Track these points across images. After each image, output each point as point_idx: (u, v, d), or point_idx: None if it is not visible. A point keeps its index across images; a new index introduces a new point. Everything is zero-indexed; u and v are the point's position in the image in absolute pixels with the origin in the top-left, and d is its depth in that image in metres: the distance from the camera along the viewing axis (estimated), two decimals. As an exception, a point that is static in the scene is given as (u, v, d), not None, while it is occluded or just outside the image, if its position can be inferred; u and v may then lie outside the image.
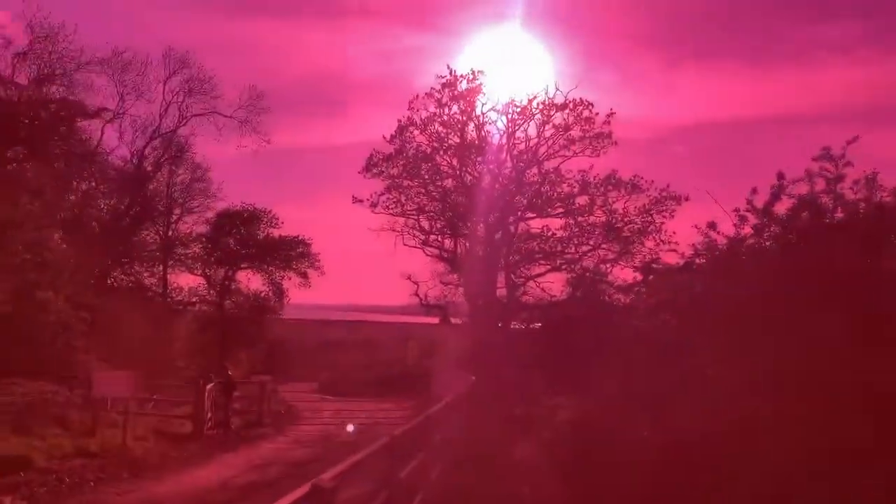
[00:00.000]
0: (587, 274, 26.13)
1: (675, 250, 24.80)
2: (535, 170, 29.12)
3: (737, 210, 11.90)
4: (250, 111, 38.05)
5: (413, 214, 30.27)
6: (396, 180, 29.84)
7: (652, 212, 27.70)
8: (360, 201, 30.27)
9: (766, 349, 9.95)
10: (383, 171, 29.71)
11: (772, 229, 11.70)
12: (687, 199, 27.33)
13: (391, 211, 30.14)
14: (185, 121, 37.26)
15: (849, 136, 11.36)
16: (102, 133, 35.07)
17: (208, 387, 21.60)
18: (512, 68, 36.50)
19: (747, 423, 10.29)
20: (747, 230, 11.93)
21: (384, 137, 29.61)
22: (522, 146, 28.97)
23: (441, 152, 29.58)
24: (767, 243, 11.83)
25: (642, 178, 27.70)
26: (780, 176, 11.52)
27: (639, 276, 18.72)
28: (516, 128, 28.83)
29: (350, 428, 21.17)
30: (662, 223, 27.59)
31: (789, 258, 10.29)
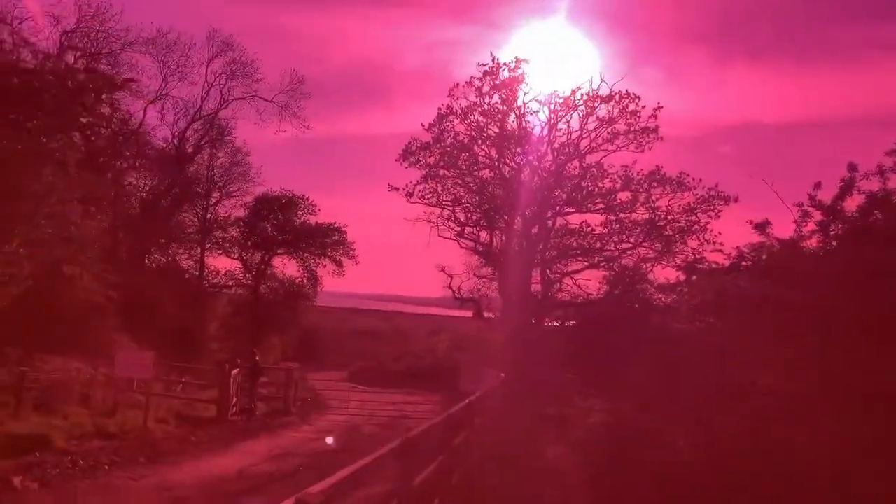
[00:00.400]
0: (627, 272, 24.94)
1: (720, 250, 23.54)
2: (576, 163, 27.89)
3: (800, 205, 10.73)
4: (291, 96, 37.77)
5: (449, 205, 29.38)
6: (433, 169, 28.97)
7: (697, 211, 26.26)
8: (396, 189, 29.54)
9: (831, 362, 8.83)
10: (420, 160, 28.87)
11: (839, 227, 10.47)
12: (736, 199, 25.86)
13: (427, 201, 29.31)
14: (226, 103, 37.12)
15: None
16: (145, 113, 35.22)
17: (234, 371, 21.22)
18: (556, 61, 35.49)
19: (794, 447, 9.24)
20: (810, 227, 10.77)
21: (422, 125, 28.81)
22: (564, 138, 27.77)
23: (480, 142, 28.61)
24: (834, 243, 10.60)
25: (688, 175, 26.32)
26: (852, 168, 10.33)
27: (682, 276, 17.67)
28: (558, 119, 27.61)
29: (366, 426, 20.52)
30: (708, 223, 26.17)
31: (860, 260, 9.05)
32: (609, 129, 26.75)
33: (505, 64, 27.15)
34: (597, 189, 27.25)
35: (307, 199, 42.76)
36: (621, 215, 26.93)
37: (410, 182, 29.23)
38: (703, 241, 26.05)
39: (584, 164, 27.42)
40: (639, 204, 26.61)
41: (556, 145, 27.81)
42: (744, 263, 13.94)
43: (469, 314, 36.23)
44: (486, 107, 27.85)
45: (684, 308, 18.05)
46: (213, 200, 41.83)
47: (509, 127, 28.05)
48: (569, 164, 27.69)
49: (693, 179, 26.18)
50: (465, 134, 28.22)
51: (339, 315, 54.32)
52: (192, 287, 39.93)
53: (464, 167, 28.73)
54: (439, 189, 28.91)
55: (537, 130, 27.63)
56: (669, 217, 26.43)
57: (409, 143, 28.94)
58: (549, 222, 28.18)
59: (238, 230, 42.42)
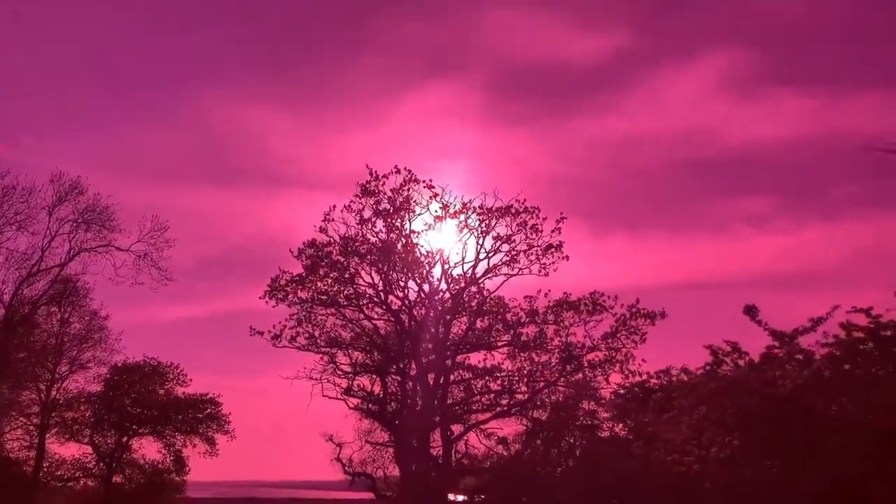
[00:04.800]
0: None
1: (645, 384, 18.83)
2: (474, 289, 23.04)
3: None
4: (152, 244, 31.34)
5: (326, 349, 23.42)
6: (307, 306, 23.23)
7: (619, 335, 21.65)
8: (260, 333, 23.44)
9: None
10: (289, 296, 23.16)
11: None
12: (663, 315, 21.64)
13: (297, 345, 23.25)
14: (72, 255, 30.37)
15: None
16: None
17: None
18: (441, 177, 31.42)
19: None
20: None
21: (291, 252, 23.47)
22: (458, 263, 23.09)
23: (362, 272, 23.47)
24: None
25: (603, 294, 22.01)
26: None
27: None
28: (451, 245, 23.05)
29: None
30: (634, 349, 21.53)
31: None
32: (508, 250, 22.36)
33: (384, 175, 22.85)
34: (500, 325, 22.25)
35: (176, 367, 35.54)
36: (531, 353, 21.80)
37: (277, 323, 23.33)
38: (626, 372, 21.26)
39: (484, 292, 22.60)
40: (547, 338, 21.68)
41: (449, 272, 23.02)
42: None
43: (368, 495, 28.76)
44: (369, 236, 23.11)
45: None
46: (62, 374, 33.75)
47: (396, 254, 23.14)
48: (466, 294, 22.78)
49: (609, 298, 21.89)
50: (346, 263, 23.04)
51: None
52: (20, 482, 30.80)
53: (344, 303, 23.20)
54: (315, 332, 23.05)
55: (427, 259, 22.84)
56: (586, 347, 21.59)
57: (277, 275, 23.42)
58: (449, 361, 22.61)
59: (90, 408, 34.10)
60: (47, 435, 33.20)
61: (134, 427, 34.73)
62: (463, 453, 22.77)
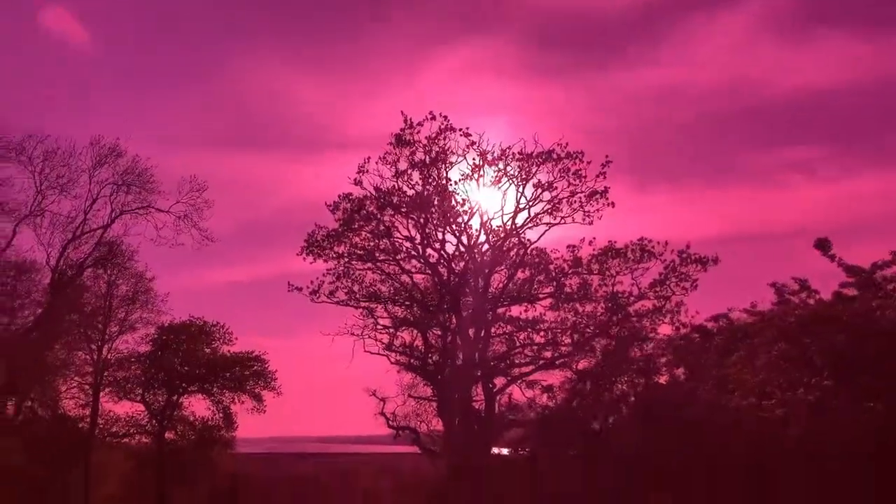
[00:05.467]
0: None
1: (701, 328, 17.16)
2: (514, 240, 21.48)
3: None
4: (191, 205, 30.89)
5: (366, 303, 22.35)
6: (345, 261, 22.15)
7: (669, 282, 19.83)
8: (298, 289, 22.54)
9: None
10: (327, 251, 22.07)
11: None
12: (716, 261, 19.71)
13: (337, 299, 22.24)
14: (114, 217, 30.16)
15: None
16: (14, 233, 28.26)
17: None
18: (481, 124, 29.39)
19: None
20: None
21: (327, 205, 22.33)
22: (498, 212, 21.52)
23: (398, 224, 22.19)
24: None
25: (650, 241, 20.16)
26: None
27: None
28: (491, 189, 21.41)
29: None
30: (684, 296, 19.74)
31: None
32: (550, 198, 20.63)
33: (419, 124, 21.34)
34: (542, 276, 20.71)
35: (222, 326, 35.34)
36: (575, 305, 20.22)
37: (315, 279, 22.35)
38: (677, 324, 19.51)
39: (525, 243, 21.02)
40: (592, 289, 20.03)
41: (488, 223, 21.52)
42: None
43: (413, 449, 28.05)
44: (404, 187, 21.71)
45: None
46: (111, 334, 33.94)
47: (433, 206, 21.73)
48: (506, 244, 21.25)
49: (658, 244, 20.06)
50: (381, 216, 21.75)
51: (269, 460, 44.78)
52: (78, 439, 31.34)
53: (382, 257, 21.99)
54: (354, 287, 21.97)
55: (467, 208, 21.36)
56: (634, 296, 19.87)
57: (313, 231, 22.33)
58: (490, 315, 21.26)
59: (140, 367, 34.29)
60: (101, 393, 33.75)
61: (183, 385, 34.89)
62: (506, 406, 21.60)
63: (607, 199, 21.13)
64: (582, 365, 20.19)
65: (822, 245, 14.82)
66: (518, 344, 21.61)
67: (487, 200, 21.60)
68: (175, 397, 34.85)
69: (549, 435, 16.86)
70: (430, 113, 21.51)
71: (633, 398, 17.72)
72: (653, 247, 20.56)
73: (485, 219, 21.76)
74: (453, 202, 21.65)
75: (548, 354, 20.97)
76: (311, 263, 22.49)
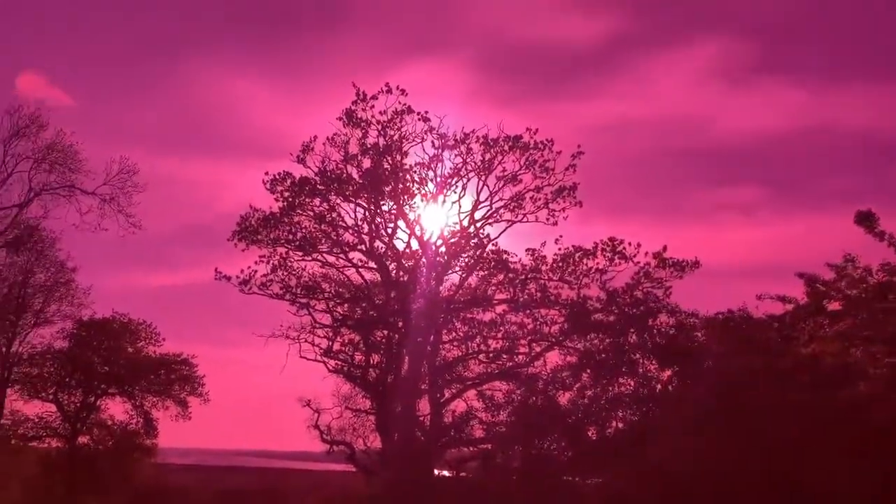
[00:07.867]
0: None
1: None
2: (472, 239, 19.84)
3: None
4: (119, 188, 27.95)
5: (304, 298, 20.30)
6: (282, 250, 20.04)
7: (641, 286, 18.64)
8: (227, 278, 20.30)
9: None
10: (262, 237, 19.92)
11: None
12: (697, 264, 18.63)
13: (270, 293, 20.13)
14: (32, 196, 27.05)
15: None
16: None
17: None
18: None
19: None
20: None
21: (263, 182, 20.12)
22: (454, 205, 19.90)
23: (346, 214, 20.31)
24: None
25: (622, 241, 18.89)
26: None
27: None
28: (446, 182, 19.79)
29: None
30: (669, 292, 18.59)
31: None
32: (514, 195, 19.11)
33: (373, 97, 19.45)
34: (500, 275, 19.20)
35: (149, 325, 32.51)
36: (533, 311, 18.79)
37: (247, 268, 20.16)
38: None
39: (482, 240, 19.42)
40: (549, 299, 18.62)
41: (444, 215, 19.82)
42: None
43: (349, 467, 26.01)
44: (353, 173, 19.86)
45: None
46: (24, 326, 30.82)
47: (384, 184, 19.79)
48: (461, 239, 19.64)
49: (631, 246, 18.80)
50: (328, 194, 19.76)
51: (193, 472, 41.71)
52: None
53: (324, 247, 19.99)
54: (291, 281, 19.93)
55: (419, 199, 19.66)
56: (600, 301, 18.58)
57: (247, 214, 20.15)
58: (441, 318, 19.60)
59: (55, 364, 31.20)
60: (8, 390, 30.57)
61: (102, 386, 32.00)
62: (454, 420, 19.90)
63: (575, 197, 19.65)
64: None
65: (866, 218, 13.01)
66: (470, 351, 19.98)
67: (445, 189, 19.93)
68: (92, 399, 31.96)
69: (499, 454, 15.27)
70: (387, 85, 19.49)
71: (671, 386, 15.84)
72: (625, 248, 19.24)
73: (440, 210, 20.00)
74: (408, 180, 19.78)
75: (503, 363, 19.40)
76: (243, 251, 20.29)
